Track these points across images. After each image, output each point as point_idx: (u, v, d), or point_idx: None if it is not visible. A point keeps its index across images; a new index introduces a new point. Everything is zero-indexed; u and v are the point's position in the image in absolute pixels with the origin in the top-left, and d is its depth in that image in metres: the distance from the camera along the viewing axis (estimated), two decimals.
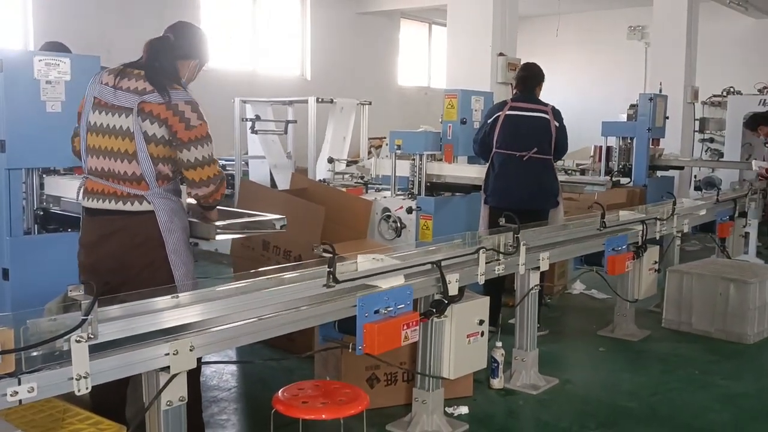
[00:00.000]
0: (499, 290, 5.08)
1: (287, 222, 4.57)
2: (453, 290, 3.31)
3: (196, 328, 2.37)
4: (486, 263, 3.55)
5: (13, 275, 3.41)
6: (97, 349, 2.11)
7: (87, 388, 2.03)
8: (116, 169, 2.74)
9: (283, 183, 7.11)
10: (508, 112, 5.04)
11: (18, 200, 3.45)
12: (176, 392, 2.29)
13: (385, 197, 6.07)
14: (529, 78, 5.13)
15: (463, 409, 3.70)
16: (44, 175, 3.74)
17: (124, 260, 2.74)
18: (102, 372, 2.08)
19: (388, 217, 5.91)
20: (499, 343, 4.05)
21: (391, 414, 3.63)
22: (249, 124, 7.31)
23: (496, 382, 4.04)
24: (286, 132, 7.51)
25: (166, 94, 2.74)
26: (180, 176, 2.87)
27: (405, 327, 2.98)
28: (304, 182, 5.28)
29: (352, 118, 7.15)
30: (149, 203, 2.75)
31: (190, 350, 2.27)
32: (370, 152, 8.69)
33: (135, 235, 2.74)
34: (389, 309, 2.93)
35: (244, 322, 2.47)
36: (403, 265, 3.14)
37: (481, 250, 3.51)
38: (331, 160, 6.61)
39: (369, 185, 6.56)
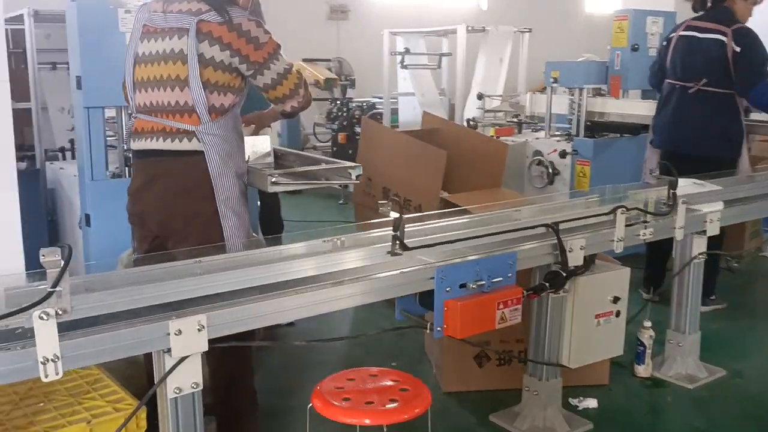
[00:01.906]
0: (665, 253, 4.24)
1: (409, 166, 4.12)
2: (576, 260, 2.63)
3: (217, 301, 1.95)
4: (627, 226, 2.80)
5: (95, 221, 3.22)
6: (82, 326, 1.75)
7: (57, 374, 1.68)
8: (165, 99, 2.37)
9: None
10: (682, 33, 4.08)
11: (100, 141, 3.23)
12: (187, 378, 1.89)
13: (537, 138, 5.34)
14: None
15: (591, 402, 3.03)
16: None
17: (169, 209, 2.39)
18: (78, 354, 1.71)
19: (540, 161, 5.19)
20: (647, 323, 3.28)
21: (503, 400, 3.05)
22: (399, 58, 6.77)
23: (642, 370, 3.29)
24: (439, 66, 6.91)
25: (225, 12, 2.35)
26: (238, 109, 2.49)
27: (501, 305, 2.37)
28: (435, 122, 4.69)
29: (507, 48, 6.36)
30: (200, 141, 2.35)
31: (199, 330, 1.85)
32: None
33: (181, 179, 2.37)
34: (480, 283, 2.33)
35: (280, 296, 1.99)
36: (508, 227, 2.52)
37: (619, 210, 2.76)
38: (480, 97, 5.93)
39: (524, 124, 5.83)
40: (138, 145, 2.46)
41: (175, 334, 1.82)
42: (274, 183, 2.48)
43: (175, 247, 2.37)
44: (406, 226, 2.44)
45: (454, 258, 2.33)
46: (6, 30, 4.80)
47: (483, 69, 6.21)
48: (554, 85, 5.18)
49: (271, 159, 2.88)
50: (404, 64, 6.69)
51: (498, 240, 2.50)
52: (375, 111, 7.35)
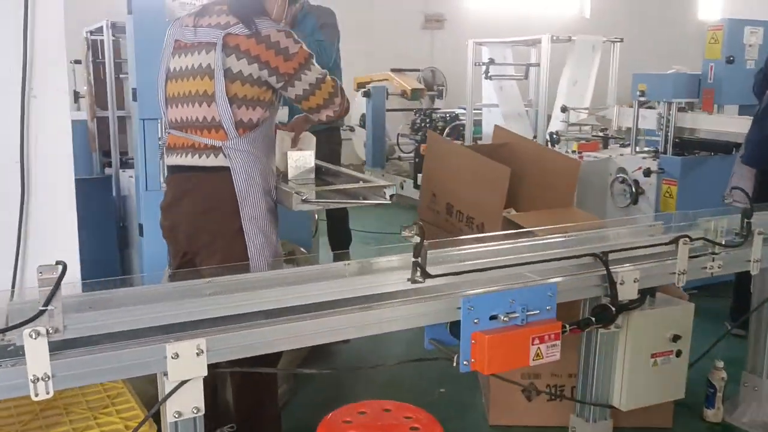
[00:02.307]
0: None
1: (472, 183, 3.96)
2: (628, 293, 2.41)
3: (224, 323, 1.89)
4: (693, 257, 2.55)
5: (147, 231, 3.26)
6: (79, 345, 1.73)
7: (48, 393, 1.66)
8: (194, 115, 2.36)
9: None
10: None
11: (155, 152, 3.26)
12: (187, 402, 1.83)
13: (621, 155, 5.05)
14: None
15: None
16: None
17: (196, 226, 2.38)
18: (70, 374, 1.69)
19: (623, 179, 4.89)
20: (719, 363, 2.99)
21: None
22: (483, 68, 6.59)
23: (711, 414, 3.00)
24: (526, 77, 6.68)
25: (253, 24, 2.31)
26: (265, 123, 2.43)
27: (537, 341, 2.20)
28: (506, 136, 4.49)
29: (596, 59, 6.05)
30: (226, 157, 2.32)
31: (198, 354, 1.79)
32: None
33: (208, 195, 2.35)
34: (513, 315, 2.16)
35: (284, 322, 1.91)
36: (543, 256, 2.33)
37: (681, 240, 2.51)
38: (564, 109, 5.67)
39: (612, 140, 5.54)
40: (170, 160, 2.46)
41: (172, 357, 1.77)
42: (304, 201, 2.41)
43: (202, 264, 2.35)
44: (448, 249, 2.33)
45: (484, 287, 2.18)
46: (94, 41, 5.01)
47: (568, 80, 5.94)
48: (641, 98, 4.87)
49: (312, 175, 2.82)
50: (488, 74, 6.51)
51: (538, 269, 2.33)
52: (458, 122, 7.20)
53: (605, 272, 2.36)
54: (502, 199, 3.70)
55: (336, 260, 3.38)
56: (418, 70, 8.69)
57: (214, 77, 2.28)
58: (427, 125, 7.32)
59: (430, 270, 2.09)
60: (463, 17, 10.94)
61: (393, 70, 8.18)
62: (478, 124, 6.92)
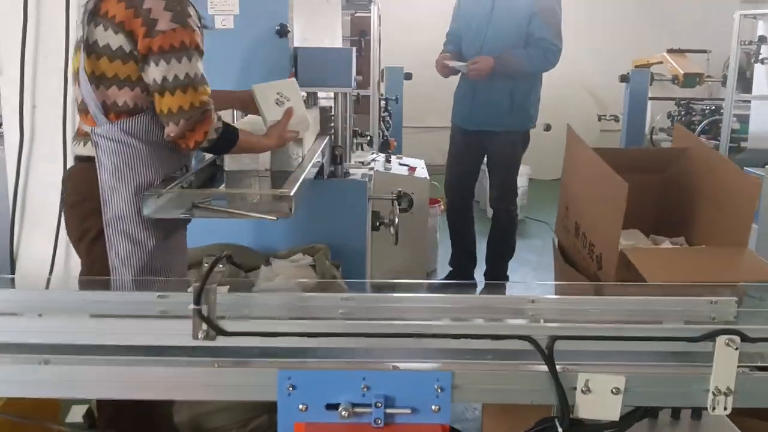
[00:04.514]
0: None
1: (594, 199, 3.00)
2: (604, 410, 1.48)
3: None
4: (742, 367, 1.49)
5: None
6: None
7: None
8: (76, 96, 2.06)
9: None
10: None
11: None
12: None
13: None
14: None
15: None
16: None
17: (66, 222, 2.09)
18: None
19: None
20: None
21: None
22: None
23: None
24: None
25: None
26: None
27: None
28: (688, 139, 3.28)
29: None
30: (93, 146, 1.96)
31: None
32: None
33: (73, 189, 2.05)
34: (362, 409, 1.46)
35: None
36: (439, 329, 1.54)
37: (722, 338, 1.46)
38: None
39: None
40: None
41: None
42: (194, 208, 1.93)
43: (81, 269, 2.04)
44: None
45: (322, 359, 1.51)
46: None
47: None
48: None
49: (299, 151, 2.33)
50: (758, 57, 5.00)
51: (436, 345, 1.54)
52: (718, 117, 5.71)
53: (552, 378, 1.47)
54: (618, 223, 2.70)
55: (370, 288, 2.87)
56: (705, 52, 7.15)
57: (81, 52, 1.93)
58: (682, 118, 5.96)
59: (229, 325, 1.49)
60: None
61: (668, 51, 6.84)
62: (744, 119, 5.40)
